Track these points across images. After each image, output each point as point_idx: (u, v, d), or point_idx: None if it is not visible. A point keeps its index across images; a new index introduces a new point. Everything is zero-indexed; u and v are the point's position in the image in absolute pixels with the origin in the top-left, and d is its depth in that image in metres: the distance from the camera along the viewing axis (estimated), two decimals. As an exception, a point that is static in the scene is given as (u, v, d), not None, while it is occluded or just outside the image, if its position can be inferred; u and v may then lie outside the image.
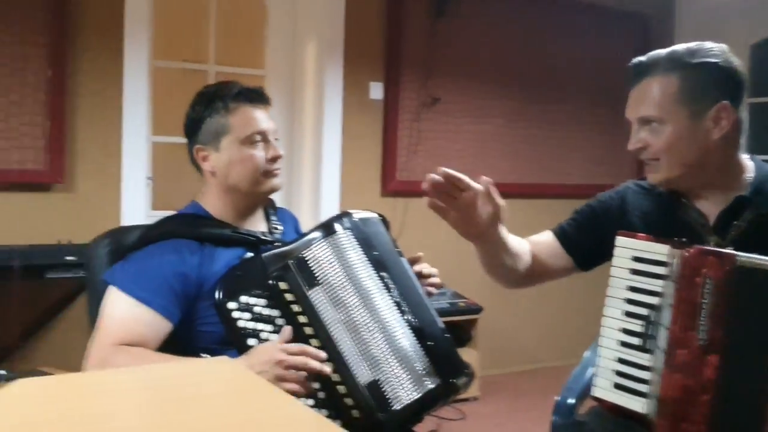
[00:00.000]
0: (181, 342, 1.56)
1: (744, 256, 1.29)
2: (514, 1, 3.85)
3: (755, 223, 1.45)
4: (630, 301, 1.40)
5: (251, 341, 1.46)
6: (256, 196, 1.67)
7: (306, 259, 1.52)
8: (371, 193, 3.55)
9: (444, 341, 1.56)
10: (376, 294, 1.51)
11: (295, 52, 3.52)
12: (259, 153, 1.62)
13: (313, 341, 1.47)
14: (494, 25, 3.80)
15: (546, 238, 1.71)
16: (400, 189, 3.57)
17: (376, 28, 3.49)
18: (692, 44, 1.46)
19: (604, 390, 1.41)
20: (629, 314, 1.40)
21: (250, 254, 1.60)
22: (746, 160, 1.53)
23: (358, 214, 1.62)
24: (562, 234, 1.69)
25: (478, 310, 3.52)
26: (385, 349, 1.48)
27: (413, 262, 1.68)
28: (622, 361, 1.40)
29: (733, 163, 1.50)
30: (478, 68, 3.77)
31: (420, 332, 1.52)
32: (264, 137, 1.64)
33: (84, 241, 2.70)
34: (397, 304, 1.52)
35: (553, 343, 4.08)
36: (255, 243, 1.63)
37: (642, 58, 1.49)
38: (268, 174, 1.64)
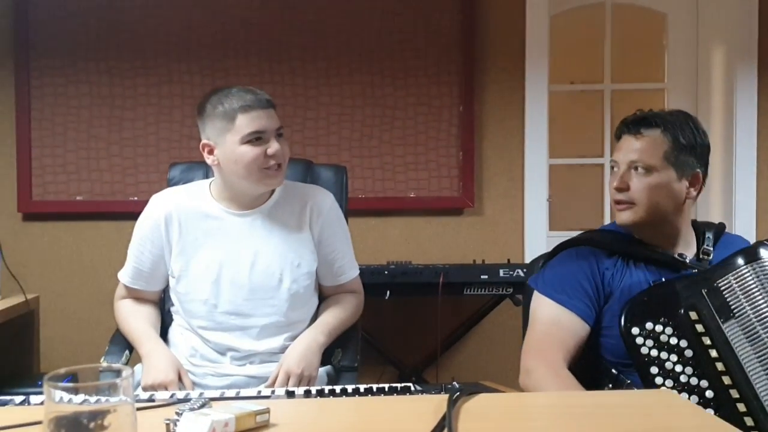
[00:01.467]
0: (589, 350, 1.60)
1: None
2: None
3: None
4: None
5: (653, 369, 1.42)
6: None
7: (721, 287, 1.43)
8: (796, 209, 3.12)
9: None
10: None
11: (699, 60, 3.30)
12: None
13: (725, 378, 1.37)
14: None
15: None
16: (835, 203, 3.07)
17: (797, 23, 3.08)
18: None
19: None
20: None
21: (663, 279, 1.55)
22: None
23: None
24: None
25: None
26: None
27: None
28: None
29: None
30: None
31: None
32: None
33: (493, 260, 2.92)
34: None
35: None
36: (671, 265, 1.57)
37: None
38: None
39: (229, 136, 1.69)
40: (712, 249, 1.62)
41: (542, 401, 1.31)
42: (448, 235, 3.11)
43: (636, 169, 1.57)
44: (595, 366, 1.60)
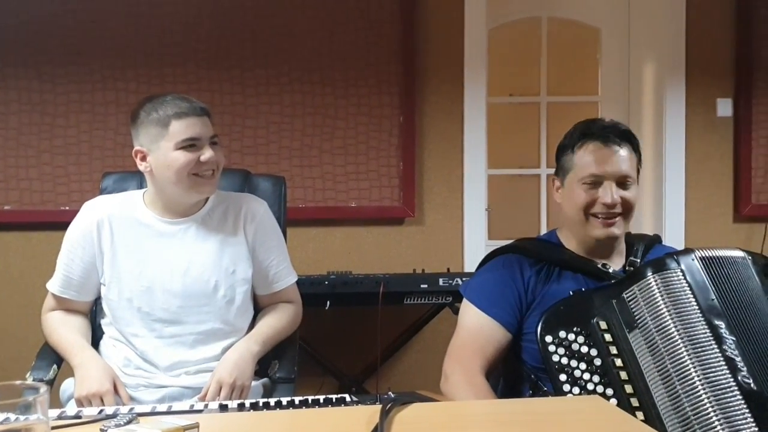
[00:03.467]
0: (512, 355, 1.63)
1: None
2: None
3: None
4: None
5: (562, 377, 1.45)
6: None
7: (627, 298, 1.46)
8: (722, 218, 3.25)
9: None
10: (700, 345, 1.38)
11: (631, 74, 3.42)
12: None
13: (627, 387, 1.41)
14: None
15: None
16: (757, 213, 3.21)
17: (722, 40, 3.21)
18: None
19: None
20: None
21: (583, 288, 1.58)
22: None
23: (704, 252, 1.50)
24: None
25: None
26: (701, 407, 1.33)
27: None
28: None
29: None
30: None
31: (755, 396, 1.34)
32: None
33: (433, 269, 2.94)
34: (728, 360, 1.37)
35: None
36: (595, 275, 1.61)
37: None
38: None
39: (163, 143, 1.69)
40: (638, 261, 1.66)
41: (474, 410, 1.33)
42: (389, 245, 3.12)
43: (626, 182, 1.60)
44: (517, 371, 1.64)
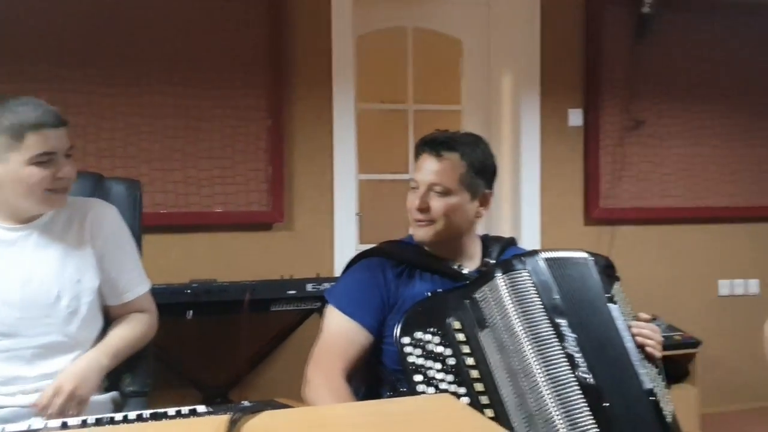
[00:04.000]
0: (374, 358, 1.65)
1: None
2: (723, 16, 3.59)
3: None
4: None
5: (417, 377, 1.47)
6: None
7: (478, 298, 1.51)
8: (574, 221, 3.46)
9: (635, 405, 1.46)
10: (544, 342, 1.45)
11: (490, 84, 3.56)
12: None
13: (477, 385, 1.45)
14: (700, 43, 3.57)
15: None
16: (605, 216, 3.44)
17: (573, 55, 3.43)
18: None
19: None
20: None
21: (439, 290, 1.63)
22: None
23: (549, 254, 1.58)
24: None
25: (695, 343, 3.27)
26: (543, 403, 1.41)
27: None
28: None
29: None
30: (685, 88, 3.56)
31: (592, 390, 1.42)
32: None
33: (304, 275, 2.92)
34: (569, 356, 1.45)
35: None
36: (451, 276, 1.66)
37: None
38: None
39: (15, 155, 1.56)
40: (492, 261, 1.72)
41: (326, 413, 1.32)
42: (257, 251, 3.07)
43: (434, 190, 1.65)
44: (378, 375, 1.65)
